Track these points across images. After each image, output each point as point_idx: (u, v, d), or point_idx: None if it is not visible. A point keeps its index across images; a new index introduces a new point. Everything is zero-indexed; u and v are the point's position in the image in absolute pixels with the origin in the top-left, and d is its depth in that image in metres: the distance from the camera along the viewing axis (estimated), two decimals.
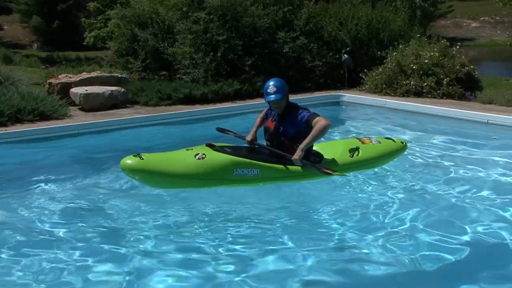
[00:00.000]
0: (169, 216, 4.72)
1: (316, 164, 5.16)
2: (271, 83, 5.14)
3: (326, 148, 5.74)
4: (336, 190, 5.28)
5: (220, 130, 6.14)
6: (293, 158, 4.99)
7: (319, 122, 4.98)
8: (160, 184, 5.04)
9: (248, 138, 5.44)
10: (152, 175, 4.87)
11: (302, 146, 4.98)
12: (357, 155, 5.56)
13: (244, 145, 5.49)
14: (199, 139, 5.49)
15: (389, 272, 3.80)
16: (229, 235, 4.34)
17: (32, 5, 26.69)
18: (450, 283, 3.71)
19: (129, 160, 4.82)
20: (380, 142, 5.87)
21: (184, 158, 4.95)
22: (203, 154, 4.95)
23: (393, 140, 6.03)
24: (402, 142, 6.06)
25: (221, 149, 5.13)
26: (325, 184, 5.32)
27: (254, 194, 5.11)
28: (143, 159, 4.81)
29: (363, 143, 5.77)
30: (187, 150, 5.10)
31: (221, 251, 4.06)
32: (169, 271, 3.80)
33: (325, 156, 5.44)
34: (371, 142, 5.84)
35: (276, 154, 5.14)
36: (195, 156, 4.93)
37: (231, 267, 3.83)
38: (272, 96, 5.09)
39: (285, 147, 5.13)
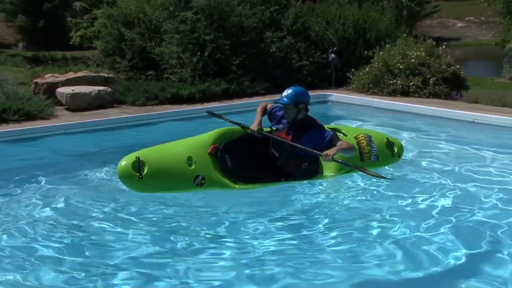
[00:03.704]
0: (160, 216, 4.71)
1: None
2: (290, 89, 5.17)
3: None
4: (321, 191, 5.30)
5: (213, 114, 6.00)
6: (324, 153, 4.72)
7: (346, 143, 4.97)
8: None
9: (255, 128, 5.20)
10: (148, 191, 4.91)
11: (339, 147, 4.84)
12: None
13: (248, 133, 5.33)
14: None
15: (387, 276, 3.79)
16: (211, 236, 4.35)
17: (17, 4, 26.33)
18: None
19: (127, 177, 4.72)
20: (378, 158, 5.71)
21: (182, 180, 4.88)
22: (203, 179, 4.89)
23: (392, 154, 5.85)
24: (399, 156, 5.94)
25: (223, 163, 5.09)
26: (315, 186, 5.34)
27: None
28: (142, 177, 4.68)
29: (362, 159, 5.56)
30: (187, 163, 4.90)
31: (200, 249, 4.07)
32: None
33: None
34: (370, 158, 5.64)
35: (292, 147, 4.99)
36: (194, 181, 4.87)
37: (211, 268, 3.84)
38: (283, 99, 5.10)
39: (293, 163, 5.05)
